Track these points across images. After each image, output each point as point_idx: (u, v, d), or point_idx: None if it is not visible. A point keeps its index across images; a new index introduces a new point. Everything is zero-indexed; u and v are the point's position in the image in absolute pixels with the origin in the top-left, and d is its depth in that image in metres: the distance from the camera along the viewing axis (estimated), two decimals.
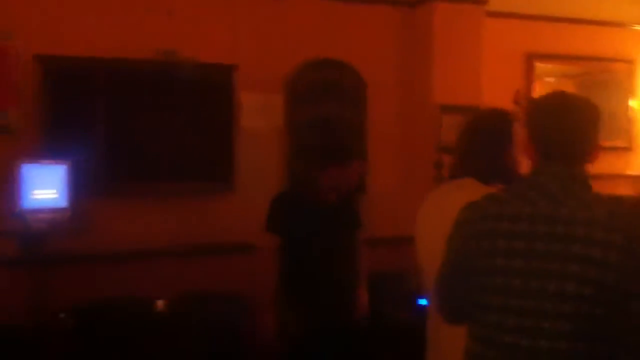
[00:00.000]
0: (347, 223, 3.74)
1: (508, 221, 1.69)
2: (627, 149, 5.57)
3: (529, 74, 5.18)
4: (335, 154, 3.66)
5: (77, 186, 3.72)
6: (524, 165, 2.29)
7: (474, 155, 2.30)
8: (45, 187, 3.50)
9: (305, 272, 3.54)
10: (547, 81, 5.28)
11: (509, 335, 1.65)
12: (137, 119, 4.14)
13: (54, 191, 3.54)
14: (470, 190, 2.16)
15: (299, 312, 3.51)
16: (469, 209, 1.81)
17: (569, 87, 5.54)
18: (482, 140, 2.30)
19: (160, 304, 3.95)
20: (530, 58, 5.18)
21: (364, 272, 3.72)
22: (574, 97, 1.77)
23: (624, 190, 5.27)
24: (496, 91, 4.67)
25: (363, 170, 4.16)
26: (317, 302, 3.53)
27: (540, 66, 5.22)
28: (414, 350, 3.68)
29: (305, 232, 3.52)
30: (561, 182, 1.68)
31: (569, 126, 1.71)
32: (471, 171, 2.29)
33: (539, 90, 5.19)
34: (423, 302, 3.83)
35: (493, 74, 4.81)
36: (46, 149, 3.87)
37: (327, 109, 4.66)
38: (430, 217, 2.34)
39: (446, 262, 1.85)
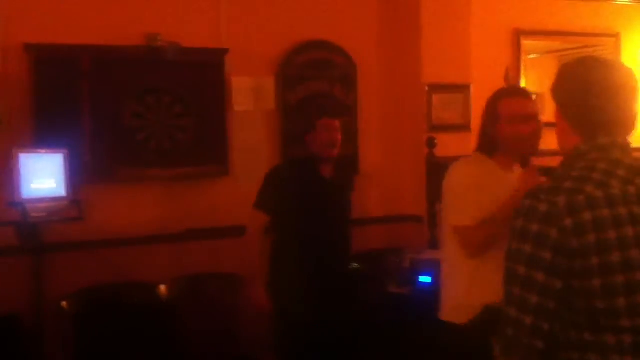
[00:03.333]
0: (342, 202, 3.65)
1: (624, 205, 1.48)
2: None
3: (516, 51, 5.19)
4: (327, 107, 3.98)
5: (74, 174, 3.70)
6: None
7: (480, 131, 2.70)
8: (43, 177, 3.47)
9: (298, 255, 3.42)
10: (529, 59, 5.29)
11: None
12: (130, 105, 4.11)
13: (52, 180, 3.51)
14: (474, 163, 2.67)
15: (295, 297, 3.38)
16: (556, 195, 1.49)
17: (554, 64, 5.59)
18: (482, 117, 2.69)
19: (160, 288, 3.97)
20: (517, 34, 5.19)
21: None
22: (623, 65, 1.69)
23: None
24: (484, 69, 4.70)
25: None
26: (313, 289, 3.38)
27: (525, 43, 5.25)
28: (410, 324, 3.77)
29: (298, 206, 3.40)
30: (632, 155, 1.59)
31: (630, 97, 1.60)
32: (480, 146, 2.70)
33: (525, 67, 5.23)
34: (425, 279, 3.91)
35: (481, 51, 4.83)
36: (39, 139, 3.83)
37: (319, 89, 4.66)
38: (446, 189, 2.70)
39: (532, 274, 1.49)
